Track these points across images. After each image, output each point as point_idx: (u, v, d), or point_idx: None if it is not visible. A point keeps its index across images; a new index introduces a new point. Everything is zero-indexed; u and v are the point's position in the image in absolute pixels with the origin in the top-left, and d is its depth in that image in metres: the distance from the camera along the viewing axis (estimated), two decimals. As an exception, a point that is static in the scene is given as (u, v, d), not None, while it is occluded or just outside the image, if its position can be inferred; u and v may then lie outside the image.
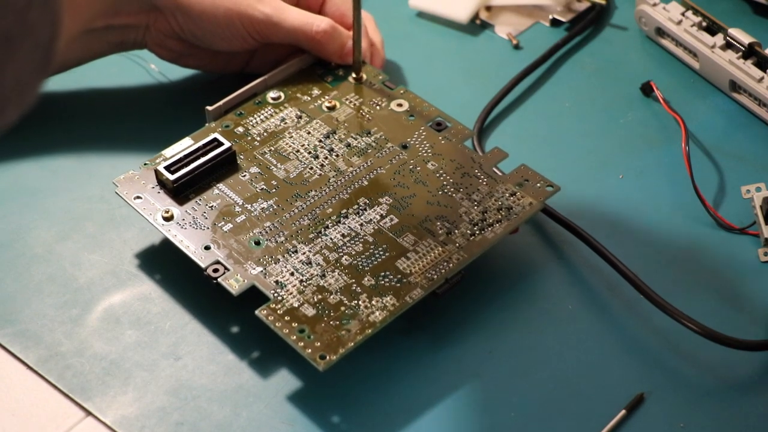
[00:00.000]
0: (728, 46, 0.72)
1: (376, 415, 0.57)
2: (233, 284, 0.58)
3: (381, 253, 0.59)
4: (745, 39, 0.71)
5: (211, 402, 0.57)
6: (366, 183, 0.63)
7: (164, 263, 0.63)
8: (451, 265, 0.59)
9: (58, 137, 0.69)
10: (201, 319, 0.61)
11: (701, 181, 0.66)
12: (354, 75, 0.68)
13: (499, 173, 0.64)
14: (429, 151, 0.65)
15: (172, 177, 0.61)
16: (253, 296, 0.58)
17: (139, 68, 0.73)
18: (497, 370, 0.59)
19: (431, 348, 0.60)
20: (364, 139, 0.65)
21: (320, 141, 0.65)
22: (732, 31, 0.71)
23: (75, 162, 0.68)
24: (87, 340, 0.60)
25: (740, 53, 0.71)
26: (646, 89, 0.72)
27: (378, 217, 0.61)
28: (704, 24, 0.73)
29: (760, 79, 0.70)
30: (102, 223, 0.65)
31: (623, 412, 0.57)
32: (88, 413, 0.57)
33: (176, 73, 0.73)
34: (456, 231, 0.60)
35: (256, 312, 0.57)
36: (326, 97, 0.67)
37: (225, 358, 0.59)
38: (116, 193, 0.62)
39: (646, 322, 0.61)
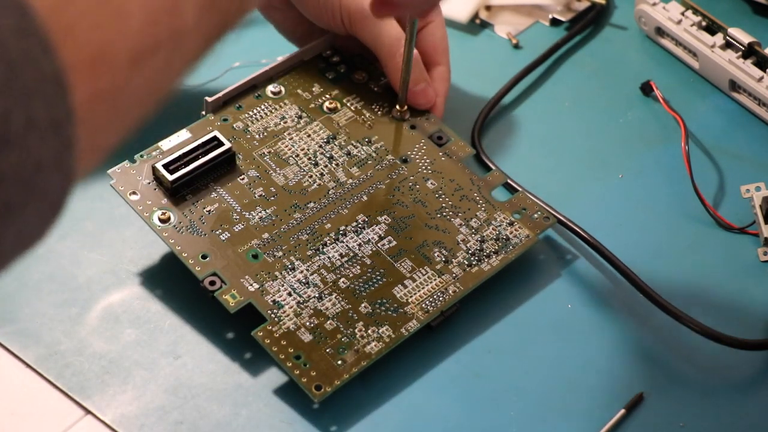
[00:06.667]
0: (728, 45, 0.72)
1: (374, 415, 0.57)
2: (229, 300, 0.58)
3: (378, 278, 0.59)
4: (745, 39, 0.71)
5: (210, 401, 0.57)
6: (365, 198, 0.63)
7: (163, 262, 0.63)
8: (447, 297, 0.59)
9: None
10: (200, 317, 0.60)
11: (701, 180, 0.66)
12: (398, 108, 0.66)
13: (497, 198, 0.64)
14: (429, 167, 0.64)
15: (171, 177, 0.61)
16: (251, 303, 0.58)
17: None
18: (497, 370, 0.59)
19: (430, 347, 0.60)
20: (364, 148, 0.65)
21: (320, 146, 0.65)
22: (732, 30, 0.71)
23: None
24: (86, 338, 0.60)
25: (740, 53, 0.71)
26: (646, 89, 0.72)
27: (376, 238, 0.61)
28: (704, 24, 0.73)
29: (760, 79, 0.70)
30: (101, 222, 0.65)
31: (623, 411, 0.57)
32: (88, 412, 0.57)
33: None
34: (453, 260, 0.60)
35: (253, 333, 0.57)
36: (327, 96, 0.67)
37: (224, 357, 0.59)
38: (111, 186, 0.61)
39: (646, 322, 0.61)
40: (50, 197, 0.35)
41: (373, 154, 0.65)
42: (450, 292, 0.59)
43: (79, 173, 0.36)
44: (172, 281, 0.62)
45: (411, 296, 0.59)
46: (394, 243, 0.61)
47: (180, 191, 0.61)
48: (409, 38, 0.62)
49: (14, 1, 0.33)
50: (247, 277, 0.59)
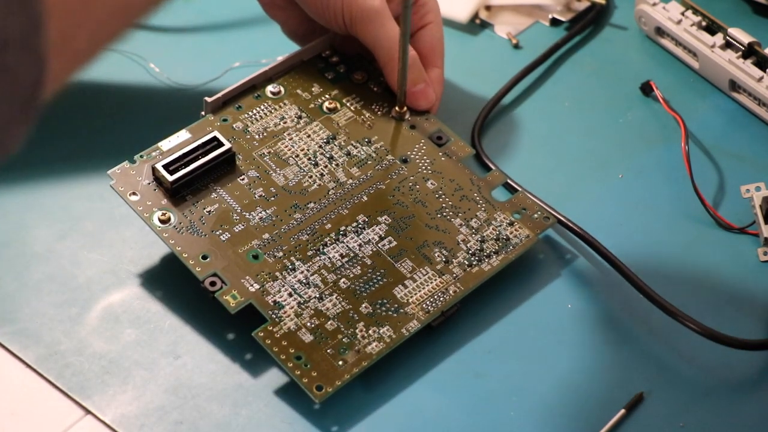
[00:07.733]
0: (728, 45, 0.72)
1: (374, 415, 0.57)
2: (230, 300, 0.58)
3: (379, 278, 0.60)
4: (745, 39, 0.71)
5: (210, 401, 0.57)
6: (365, 198, 0.63)
7: (163, 262, 0.63)
8: (447, 297, 0.59)
9: (57, 136, 0.69)
10: (200, 317, 0.61)
11: (701, 180, 0.66)
12: (398, 109, 0.66)
13: (497, 198, 0.64)
14: (429, 167, 0.64)
15: (170, 177, 0.61)
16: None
17: (139, 67, 0.73)
18: (497, 370, 0.59)
19: (430, 348, 0.60)
20: (364, 148, 0.65)
21: (320, 147, 0.65)
22: (732, 30, 0.71)
23: (74, 161, 0.68)
24: (86, 338, 0.60)
25: (740, 53, 0.71)
26: (646, 89, 0.72)
27: (377, 238, 0.61)
28: (704, 24, 0.73)
29: (760, 79, 0.70)
30: (101, 222, 0.65)
31: (623, 411, 0.57)
32: (88, 412, 0.57)
33: (176, 73, 0.73)
34: (453, 260, 0.60)
35: (253, 333, 0.57)
36: (326, 96, 0.67)
37: (224, 357, 0.59)
38: (111, 186, 0.61)
39: (646, 322, 0.61)
40: (20, 85, 0.35)
41: (373, 155, 0.65)
42: (450, 292, 0.59)
43: (55, 76, 0.36)
44: (172, 281, 0.62)
45: (411, 296, 0.59)
46: (395, 243, 0.61)
47: (180, 192, 0.61)
48: (403, 32, 0.62)
49: None
50: (247, 277, 0.59)
